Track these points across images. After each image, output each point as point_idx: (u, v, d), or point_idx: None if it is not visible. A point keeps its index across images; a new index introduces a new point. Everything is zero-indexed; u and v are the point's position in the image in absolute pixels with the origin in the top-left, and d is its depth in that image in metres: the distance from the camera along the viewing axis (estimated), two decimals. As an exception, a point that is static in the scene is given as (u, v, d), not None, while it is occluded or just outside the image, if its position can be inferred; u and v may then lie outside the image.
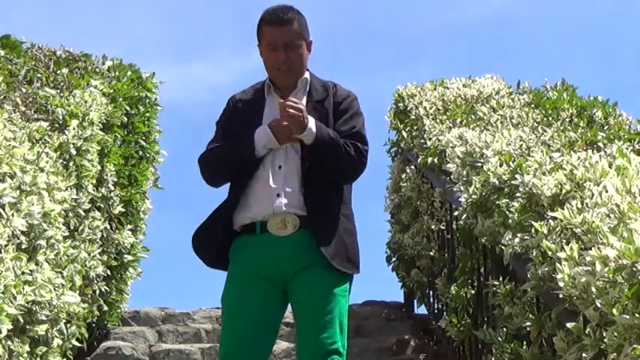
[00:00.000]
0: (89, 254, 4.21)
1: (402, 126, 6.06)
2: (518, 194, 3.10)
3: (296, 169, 3.14)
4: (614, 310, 2.02)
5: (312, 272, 3.08)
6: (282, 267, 3.09)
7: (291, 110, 3.06)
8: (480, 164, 3.75)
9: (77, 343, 3.77)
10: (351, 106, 3.29)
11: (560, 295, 2.34)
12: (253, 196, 3.13)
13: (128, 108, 5.41)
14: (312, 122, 3.11)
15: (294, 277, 3.09)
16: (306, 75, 3.29)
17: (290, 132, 3.11)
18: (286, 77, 3.24)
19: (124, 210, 5.26)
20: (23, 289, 2.81)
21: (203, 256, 3.25)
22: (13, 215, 2.89)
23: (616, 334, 2.01)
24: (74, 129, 4.04)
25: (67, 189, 3.68)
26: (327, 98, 3.27)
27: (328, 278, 3.09)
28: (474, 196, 3.57)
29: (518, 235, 2.95)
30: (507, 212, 3.12)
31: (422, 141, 5.25)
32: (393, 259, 6.27)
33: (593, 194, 2.59)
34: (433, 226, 5.22)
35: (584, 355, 2.25)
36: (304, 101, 3.24)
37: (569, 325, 2.32)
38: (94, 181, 4.42)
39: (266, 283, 3.10)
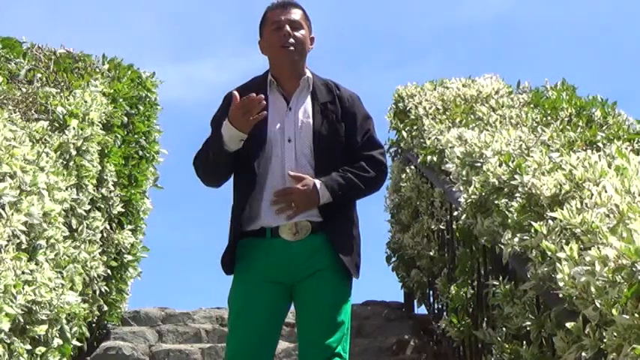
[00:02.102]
0: (89, 254, 4.21)
1: (401, 126, 6.06)
2: (517, 194, 3.10)
3: (306, 172, 3.11)
4: (614, 310, 2.02)
5: (320, 276, 3.08)
6: (293, 271, 3.08)
7: (284, 198, 3.04)
8: (479, 164, 3.75)
9: (77, 343, 3.77)
10: (360, 110, 3.29)
11: (560, 295, 2.34)
12: (264, 200, 3.09)
13: (128, 108, 5.41)
14: (319, 185, 3.08)
15: (304, 280, 3.09)
16: (308, 74, 3.27)
17: (248, 118, 3.01)
18: (291, 55, 3.20)
19: (123, 210, 5.26)
20: (23, 289, 2.81)
21: (225, 267, 3.20)
22: (13, 215, 2.89)
23: (615, 334, 2.02)
24: (74, 129, 4.04)
25: (67, 189, 3.67)
26: (332, 101, 3.24)
27: (336, 282, 3.10)
28: (473, 196, 3.57)
29: (518, 235, 2.95)
30: (507, 212, 3.12)
31: (421, 141, 5.26)
32: (393, 259, 6.27)
33: (592, 194, 2.59)
34: (433, 226, 5.22)
35: (583, 354, 2.26)
36: (309, 100, 3.23)
37: (568, 324, 2.32)
38: (94, 181, 4.42)
39: (274, 286, 3.09)
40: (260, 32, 3.29)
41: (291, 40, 3.18)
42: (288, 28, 3.18)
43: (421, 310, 6.00)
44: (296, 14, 3.23)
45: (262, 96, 3.01)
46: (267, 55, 3.28)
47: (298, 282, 3.10)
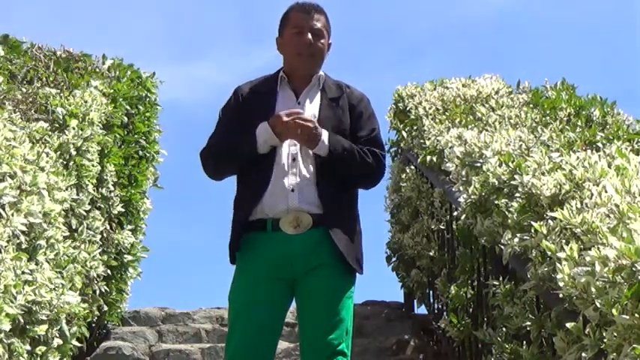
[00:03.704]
0: (89, 254, 4.21)
1: (401, 126, 6.06)
2: (517, 194, 3.10)
3: (309, 163, 3.13)
4: (614, 310, 2.02)
5: (322, 272, 3.07)
6: (295, 266, 3.07)
7: (299, 122, 3.05)
8: (479, 164, 3.75)
9: (77, 343, 3.77)
10: (367, 109, 3.32)
11: (560, 295, 2.35)
12: (266, 188, 3.09)
13: (128, 108, 5.42)
14: (325, 135, 3.11)
15: (305, 275, 3.08)
16: (321, 72, 3.30)
17: (291, 130, 3.08)
18: (307, 63, 3.23)
19: (123, 210, 5.26)
20: (23, 289, 2.81)
21: (231, 257, 3.20)
22: (13, 215, 2.89)
23: (615, 334, 2.02)
24: (74, 129, 4.04)
25: (67, 189, 3.67)
26: (341, 97, 3.27)
27: (338, 279, 3.09)
28: (473, 197, 3.57)
29: (518, 235, 2.95)
30: (507, 212, 3.12)
31: (421, 141, 5.26)
32: (393, 259, 6.27)
33: (592, 194, 2.59)
34: (433, 226, 5.22)
35: (583, 355, 2.26)
36: (318, 95, 3.26)
37: (568, 325, 2.32)
38: (94, 181, 4.42)
39: (276, 283, 3.08)
40: (280, 30, 3.30)
41: (311, 49, 3.21)
42: (309, 36, 3.20)
43: (421, 310, 6.00)
44: (319, 21, 3.23)
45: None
46: (283, 55, 3.30)
47: (299, 277, 3.08)
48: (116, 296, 5.35)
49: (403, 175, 5.89)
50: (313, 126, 3.08)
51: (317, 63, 3.25)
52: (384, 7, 12.89)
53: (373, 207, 6.61)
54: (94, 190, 4.41)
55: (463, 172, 3.92)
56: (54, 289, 3.09)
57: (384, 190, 6.60)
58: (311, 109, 3.22)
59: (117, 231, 5.22)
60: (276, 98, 3.23)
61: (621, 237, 2.14)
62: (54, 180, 3.40)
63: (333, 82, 3.32)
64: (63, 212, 3.53)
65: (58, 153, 3.82)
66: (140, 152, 5.66)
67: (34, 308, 2.92)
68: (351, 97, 3.29)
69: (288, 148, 3.14)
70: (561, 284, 2.29)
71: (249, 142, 3.12)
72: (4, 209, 2.87)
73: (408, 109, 6.02)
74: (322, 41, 3.23)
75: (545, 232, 2.66)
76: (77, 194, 4.05)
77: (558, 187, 2.87)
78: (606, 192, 2.53)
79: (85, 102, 4.39)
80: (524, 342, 3.05)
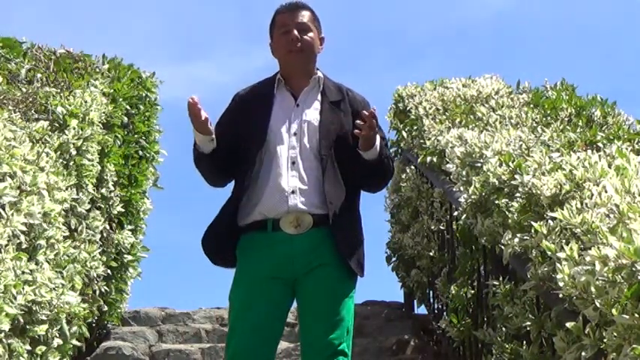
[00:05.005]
0: (89, 254, 4.21)
1: (401, 126, 6.06)
2: (517, 194, 3.10)
3: (310, 166, 3.12)
4: (614, 310, 2.02)
5: (323, 272, 3.06)
6: (296, 266, 3.06)
7: (372, 121, 3.05)
8: (479, 164, 3.75)
9: (77, 343, 3.77)
10: None
11: (560, 295, 2.35)
12: (265, 191, 3.09)
13: (128, 108, 5.42)
14: (377, 140, 3.12)
15: (305, 275, 3.07)
16: (319, 74, 3.28)
17: (198, 120, 3.05)
18: (300, 58, 3.22)
19: (123, 210, 5.26)
20: (23, 288, 2.81)
21: (209, 254, 3.21)
22: (13, 215, 2.89)
23: (615, 333, 2.02)
24: (74, 129, 4.04)
25: (67, 189, 3.68)
26: (342, 101, 3.26)
27: (339, 279, 3.08)
28: (473, 196, 3.57)
29: (518, 235, 2.95)
30: (507, 212, 3.12)
31: (421, 141, 5.26)
32: (393, 259, 6.27)
33: (592, 194, 2.59)
34: (433, 226, 5.22)
35: (583, 354, 2.25)
36: (318, 98, 3.24)
37: (568, 324, 2.32)
38: (94, 181, 4.42)
39: (276, 282, 3.07)
40: (270, 35, 3.31)
41: (300, 45, 3.20)
42: (296, 32, 3.20)
43: (421, 310, 6.01)
44: (304, 17, 3.24)
45: (193, 96, 3.03)
46: (277, 58, 3.30)
47: (300, 277, 3.08)
48: (116, 296, 5.36)
49: (403, 175, 5.89)
50: (376, 128, 3.09)
51: (308, 57, 3.24)
52: (384, 10, 12.91)
53: (373, 207, 6.62)
54: (94, 190, 4.41)
55: (463, 172, 3.92)
56: (54, 289, 3.09)
57: (384, 190, 6.60)
58: (312, 112, 3.21)
59: (117, 231, 5.22)
60: (273, 101, 3.22)
61: (621, 237, 2.14)
62: (54, 180, 3.40)
63: (333, 84, 3.30)
64: (63, 212, 3.53)
65: (58, 153, 3.82)
66: (140, 152, 5.67)
67: (34, 308, 2.92)
68: (353, 102, 3.27)
69: (288, 152, 3.13)
70: (561, 284, 2.29)
71: (194, 146, 3.15)
72: (4, 209, 2.87)
73: (408, 109, 6.02)
74: (310, 35, 3.23)
75: (545, 232, 2.66)
76: (77, 194, 4.05)
77: (558, 187, 2.87)
78: (606, 192, 2.53)
79: (85, 102, 4.39)
80: (524, 342, 3.05)
